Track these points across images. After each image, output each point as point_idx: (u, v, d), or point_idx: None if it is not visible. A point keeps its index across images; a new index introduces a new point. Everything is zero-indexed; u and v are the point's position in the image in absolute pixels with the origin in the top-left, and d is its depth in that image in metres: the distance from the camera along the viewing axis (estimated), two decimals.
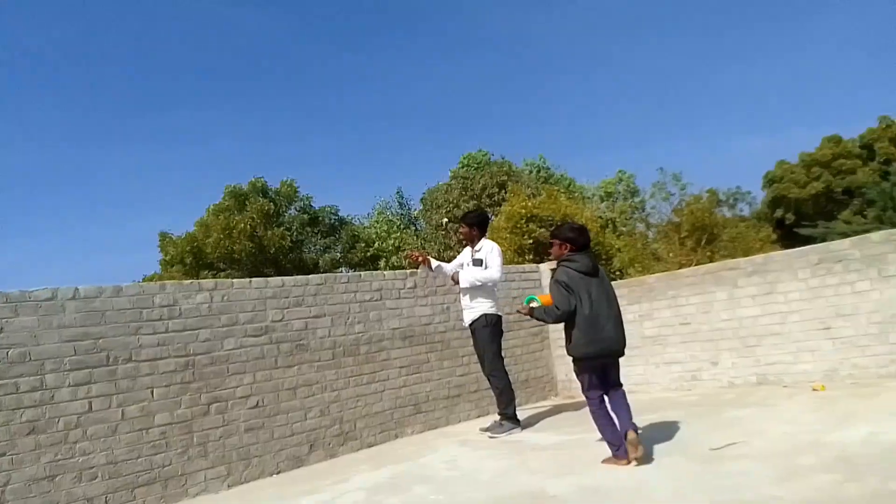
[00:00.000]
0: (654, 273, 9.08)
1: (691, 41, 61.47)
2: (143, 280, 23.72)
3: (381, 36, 61.60)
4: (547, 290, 4.72)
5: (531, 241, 13.90)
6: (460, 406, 6.58)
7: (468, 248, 5.96)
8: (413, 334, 6.35)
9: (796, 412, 4.93)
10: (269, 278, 5.64)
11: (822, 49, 56.59)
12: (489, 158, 28.51)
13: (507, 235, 14.25)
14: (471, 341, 6.07)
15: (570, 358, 4.35)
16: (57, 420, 4.31)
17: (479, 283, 5.68)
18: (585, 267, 4.23)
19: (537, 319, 4.39)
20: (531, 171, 29.00)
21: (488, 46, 63.04)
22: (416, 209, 30.40)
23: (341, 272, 22.36)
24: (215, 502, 4.60)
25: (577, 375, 4.34)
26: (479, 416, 6.57)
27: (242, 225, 24.15)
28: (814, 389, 5.61)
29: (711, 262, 10.72)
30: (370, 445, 5.80)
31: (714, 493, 3.33)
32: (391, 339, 6.17)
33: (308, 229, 27.38)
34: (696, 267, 7.86)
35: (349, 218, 29.72)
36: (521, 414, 5.91)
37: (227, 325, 5.17)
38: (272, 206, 25.79)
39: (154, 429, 4.69)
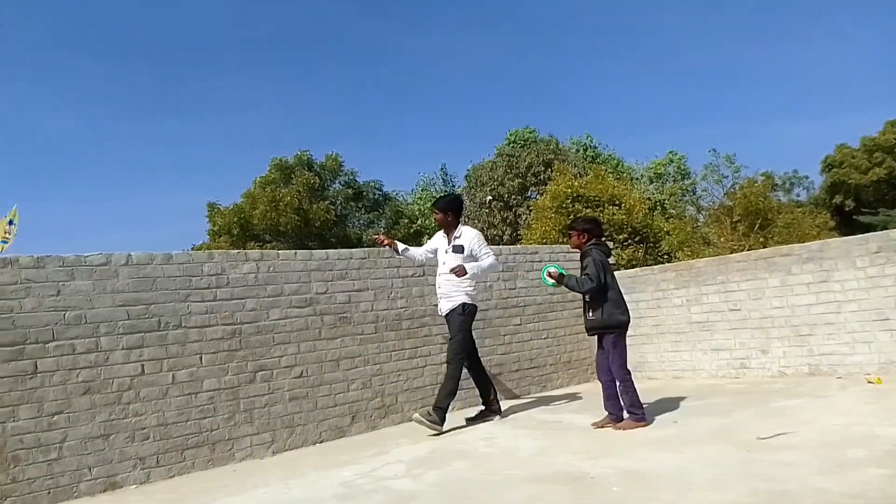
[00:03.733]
0: (703, 257, 8.85)
1: (747, 17, 59.13)
2: (192, 249, 24.35)
3: (428, 7, 61.26)
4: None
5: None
6: (499, 385, 6.58)
7: (440, 234, 5.65)
8: None
9: (849, 404, 4.77)
10: (313, 251, 5.71)
11: (886, 28, 53.65)
12: (536, 136, 28.14)
13: (552, 215, 14.07)
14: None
15: (591, 334, 4.94)
16: (111, 381, 4.48)
17: (484, 273, 5.57)
18: (608, 253, 5.01)
19: (567, 287, 4.93)
20: (578, 150, 28.55)
21: (537, 21, 62.03)
22: (460, 186, 30.30)
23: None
24: (260, 468, 4.72)
25: (614, 347, 4.78)
26: (517, 397, 6.57)
27: (288, 198, 24.56)
28: (869, 382, 5.42)
29: (764, 247, 10.39)
30: (410, 420, 5.85)
31: (756, 481, 3.25)
32: (433, 315, 6.18)
33: (352, 204, 27.64)
34: (747, 252, 7.63)
35: (393, 193, 29.89)
36: (562, 393, 5.86)
37: (272, 296, 5.27)
38: (317, 180, 26.08)
39: (202, 394, 4.83)
